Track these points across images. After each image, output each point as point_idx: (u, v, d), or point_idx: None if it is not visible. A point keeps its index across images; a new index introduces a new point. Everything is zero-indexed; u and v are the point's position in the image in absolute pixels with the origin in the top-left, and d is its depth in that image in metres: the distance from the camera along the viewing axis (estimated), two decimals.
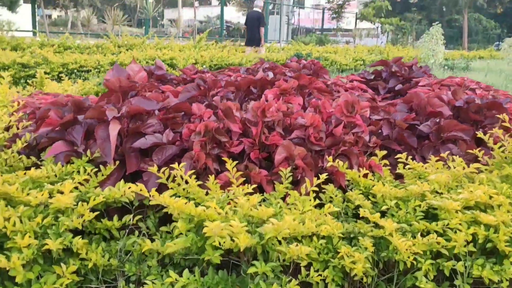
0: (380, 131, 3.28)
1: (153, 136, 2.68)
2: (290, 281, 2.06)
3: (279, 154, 2.58)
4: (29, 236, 2.02)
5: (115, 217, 2.48)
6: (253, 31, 14.42)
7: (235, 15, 46.62)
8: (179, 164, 2.29)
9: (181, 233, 2.09)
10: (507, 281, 2.30)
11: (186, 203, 1.95)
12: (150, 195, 1.94)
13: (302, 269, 2.16)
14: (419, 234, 2.18)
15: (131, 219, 2.49)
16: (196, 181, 2.29)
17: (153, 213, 2.64)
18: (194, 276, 2.04)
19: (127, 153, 2.65)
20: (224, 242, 1.88)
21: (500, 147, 2.72)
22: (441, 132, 3.30)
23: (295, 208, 2.21)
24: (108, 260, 2.35)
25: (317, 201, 2.22)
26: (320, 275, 2.11)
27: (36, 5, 21.33)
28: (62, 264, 2.19)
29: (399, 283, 2.37)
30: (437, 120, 3.38)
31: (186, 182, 2.27)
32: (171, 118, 2.79)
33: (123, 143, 2.71)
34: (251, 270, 1.98)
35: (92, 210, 2.51)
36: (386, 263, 2.36)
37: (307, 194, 2.27)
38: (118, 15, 16.71)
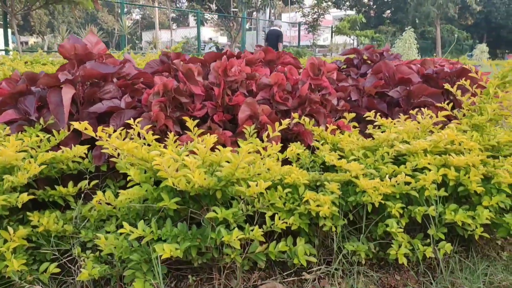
0: (349, 98, 3.21)
1: (110, 101, 2.56)
2: (253, 230, 1.94)
3: (243, 112, 2.48)
4: None
5: (70, 183, 2.34)
6: (273, 46, 15.17)
7: (214, 35, 46.90)
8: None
9: (136, 185, 1.96)
10: (481, 227, 2.21)
11: (137, 147, 1.82)
12: (96, 135, 1.81)
13: (267, 219, 2.04)
14: (387, 176, 2.09)
15: (87, 184, 2.36)
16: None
17: (113, 183, 2.51)
18: (150, 227, 1.91)
19: (82, 119, 2.51)
20: (178, 183, 1.76)
21: (468, 99, 2.67)
22: (411, 98, 3.25)
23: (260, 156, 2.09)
24: (62, 227, 2.21)
25: (280, 146, 2.10)
26: (286, 222, 1.99)
27: (9, 30, 21.09)
28: (9, 228, 2.03)
29: (372, 234, 2.26)
30: (407, 87, 3.33)
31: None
32: (130, 85, 2.68)
33: (79, 111, 2.58)
34: (210, 215, 1.86)
35: (47, 178, 2.38)
36: (356, 215, 2.25)
37: (270, 141, 2.16)
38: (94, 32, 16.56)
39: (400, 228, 2.09)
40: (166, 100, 2.45)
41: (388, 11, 44.52)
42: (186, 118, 2.34)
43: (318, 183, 2.16)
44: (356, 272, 2.34)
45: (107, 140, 1.78)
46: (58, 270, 2.12)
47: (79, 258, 2.14)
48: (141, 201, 2.05)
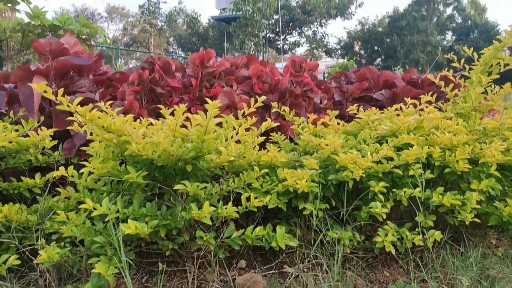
0: (333, 100, 3.15)
1: (85, 93, 2.48)
2: (226, 207, 1.81)
3: (220, 102, 2.39)
4: None
5: (38, 175, 2.22)
6: None
7: None
8: None
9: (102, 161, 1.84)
10: (471, 213, 2.09)
11: (100, 116, 1.72)
12: (56, 99, 1.71)
13: (243, 199, 1.91)
14: (368, 153, 1.98)
15: (54, 177, 2.23)
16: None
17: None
18: (116, 205, 1.77)
19: (55, 112, 2.43)
20: (143, 148, 1.64)
21: (452, 90, 2.61)
22: (395, 100, 3.19)
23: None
24: (26, 217, 2.06)
25: (255, 120, 2.00)
26: (262, 200, 1.86)
27: None
28: None
29: (356, 218, 2.13)
30: (392, 90, 3.28)
31: None
32: (106, 80, 2.61)
33: (52, 104, 2.50)
34: (179, 187, 1.73)
35: (14, 171, 2.26)
36: (338, 201, 2.12)
37: (245, 117, 2.06)
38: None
39: (385, 208, 1.96)
40: (140, 90, 2.38)
41: (379, 59, 45.64)
42: (161, 106, 2.25)
43: (297, 164, 2.04)
44: (342, 265, 2.18)
45: (68, 106, 1.68)
46: (18, 262, 1.96)
47: (43, 250, 1.98)
48: (108, 182, 1.93)
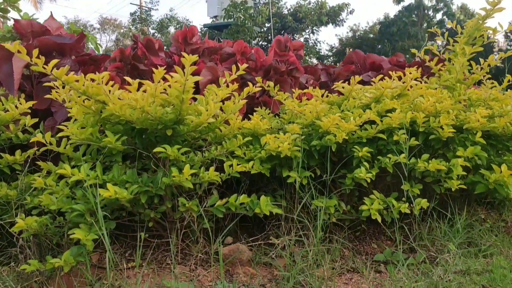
0: (319, 81, 3.14)
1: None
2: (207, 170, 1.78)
3: (204, 77, 2.37)
4: None
5: (18, 151, 2.18)
6: None
7: None
8: None
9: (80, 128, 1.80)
10: (457, 180, 2.07)
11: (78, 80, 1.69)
12: (31, 61, 1.68)
13: (226, 167, 1.88)
14: (351, 118, 1.96)
15: (35, 153, 2.19)
16: None
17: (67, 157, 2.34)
18: (95, 171, 1.74)
19: (36, 93, 2.39)
20: (121, 108, 1.61)
21: (437, 64, 2.60)
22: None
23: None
24: (5, 192, 2.02)
25: (237, 85, 1.98)
26: (245, 166, 1.83)
27: None
28: None
29: (342, 187, 2.10)
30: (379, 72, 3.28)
31: None
32: (89, 60, 2.58)
33: (33, 85, 2.47)
34: (159, 149, 1.70)
35: None
36: (324, 170, 2.10)
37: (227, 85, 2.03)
38: None
39: (369, 174, 1.93)
40: (123, 66, 2.35)
41: None
42: (144, 81, 2.23)
43: (281, 132, 2.02)
44: (329, 238, 2.15)
45: (44, 68, 1.65)
46: None
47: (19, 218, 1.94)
48: (88, 151, 1.90)
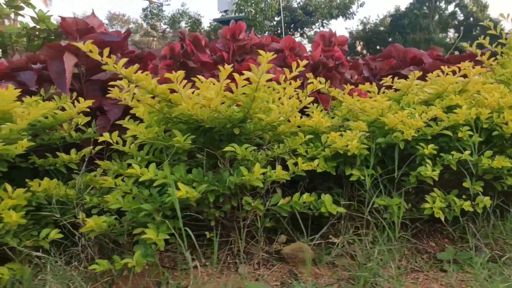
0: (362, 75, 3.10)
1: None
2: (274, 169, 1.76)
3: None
4: None
5: (73, 150, 2.17)
6: None
7: None
8: None
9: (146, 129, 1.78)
10: None
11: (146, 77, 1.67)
12: (102, 60, 1.66)
13: (290, 164, 1.86)
14: (416, 115, 1.92)
15: (92, 150, 2.18)
16: None
17: (118, 156, 2.33)
18: (163, 170, 1.72)
19: (86, 89, 2.38)
20: (193, 107, 1.59)
21: (489, 58, 2.55)
22: (425, 76, 3.13)
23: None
24: (65, 191, 2.02)
25: (300, 83, 1.94)
26: (310, 165, 1.81)
27: None
28: (6, 184, 1.85)
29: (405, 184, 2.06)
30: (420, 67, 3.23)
31: None
32: (134, 58, 2.56)
33: (81, 83, 2.45)
34: (228, 149, 1.68)
35: (48, 148, 2.21)
36: (384, 167, 2.06)
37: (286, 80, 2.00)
38: None
39: (435, 171, 1.90)
40: (173, 64, 2.33)
41: None
42: (199, 77, 2.20)
43: (341, 129, 1.99)
44: (388, 236, 2.12)
45: (114, 67, 1.63)
46: (60, 235, 1.91)
47: (83, 224, 1.93)
48: (151, 150, 1.88)
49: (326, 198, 1.83)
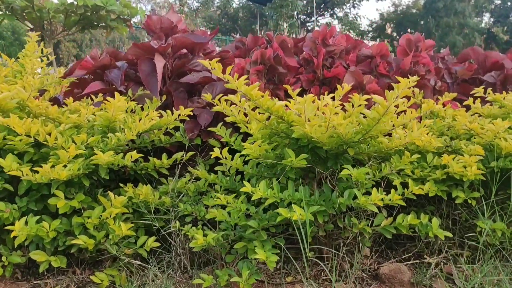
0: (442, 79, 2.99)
1: (202, 72, 2.40)
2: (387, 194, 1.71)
3: (347, 82, 2.28)
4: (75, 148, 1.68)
5: (164, 155, 2.16)
6: None
7: None
8: None
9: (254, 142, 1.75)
10: None
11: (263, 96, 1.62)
12: (211, 68, 1.62)
13: (398, 186, 1.80)
14: None
15: (184, 155, 2.16)
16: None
17: (203, 162, 2.31)
18: (273, 189, 1.69)
19: (173, 91, 2.35)
20: (315, 133, 1.54)
21: None
22: (507, 82, 3.01)
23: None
24: (160, 198, 2.01)
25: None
26: (422, 188, 1.75)
27: None
28: (110, 192, 1.84)
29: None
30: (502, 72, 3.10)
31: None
32: (218, 57, 2.51)
33: (167, 84, 2.42)
34: (344, 172, 1.63)
35: (140, 151, 2.20)
36: (486, 189, 1.99)
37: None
38: None
39: None
40: (263, 69, 2.27)
41: None
42: (287, 86, 2.14)
43: (449, 149, 1.92)
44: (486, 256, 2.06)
45: (222, 76, 1.58)
46: (157, 244, 1.92)
47: (180, 232, 1.93)
48: (254, 165, 1.85)
49: (434, 221, 1.78)
